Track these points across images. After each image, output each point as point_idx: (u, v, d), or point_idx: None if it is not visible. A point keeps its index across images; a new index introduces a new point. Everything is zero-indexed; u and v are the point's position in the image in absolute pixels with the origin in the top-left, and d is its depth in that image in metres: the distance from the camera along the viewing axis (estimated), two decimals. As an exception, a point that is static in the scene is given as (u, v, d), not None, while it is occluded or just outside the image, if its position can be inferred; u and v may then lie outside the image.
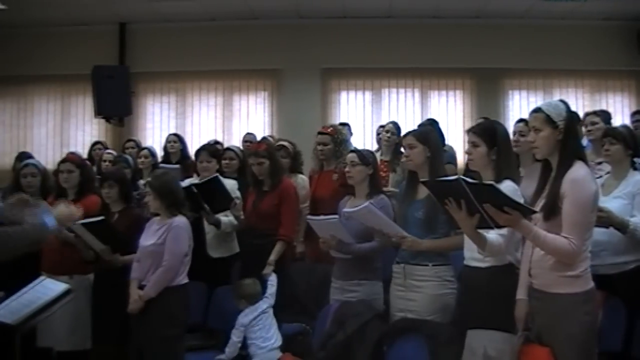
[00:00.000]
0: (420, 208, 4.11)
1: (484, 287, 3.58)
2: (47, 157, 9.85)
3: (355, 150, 4.77)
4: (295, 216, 5.30)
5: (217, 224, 5.35)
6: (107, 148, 8.01)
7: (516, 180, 3.65)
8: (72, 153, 6.74)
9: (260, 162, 5.19)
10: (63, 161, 5.39)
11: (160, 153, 7.47)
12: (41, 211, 3.26)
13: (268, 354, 4.63)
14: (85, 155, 7.78)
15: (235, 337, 4.70)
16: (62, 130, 10.54)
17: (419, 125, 5.79)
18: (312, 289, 5.29)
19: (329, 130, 5.82)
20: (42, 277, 4.21)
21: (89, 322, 5.02)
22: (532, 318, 3.26)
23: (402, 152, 4.57)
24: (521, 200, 3.22)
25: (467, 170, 3.96)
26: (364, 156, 4.59)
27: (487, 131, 3.69)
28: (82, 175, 5.29)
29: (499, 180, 3.47)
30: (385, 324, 4.24)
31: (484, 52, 9.64)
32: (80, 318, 4.98)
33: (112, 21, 10.18)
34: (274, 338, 4.70)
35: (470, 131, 3.76)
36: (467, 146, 3.77)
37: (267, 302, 4.76)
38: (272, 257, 5.01)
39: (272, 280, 4.86)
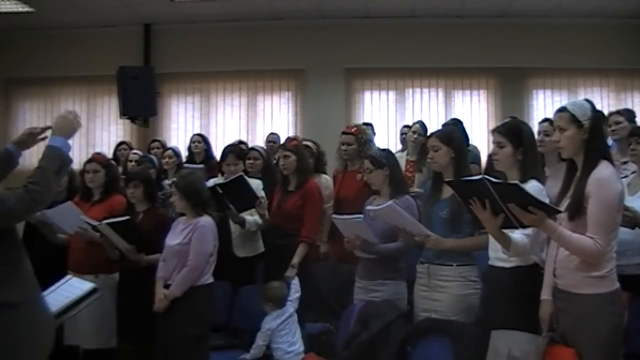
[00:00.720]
0: (444, 207, 4.09)
1: (509, 287, 3.56)
2: (73, 157, 9.83)
3: (368, 156, 4.76)
4: (318, 217, 5.31)
5: (241, 223, 5.37)
6: (132, 148, 8.06)
7: (542, 180, 3.63)
8: (97, 153, 6.78)
9: (286, 155, 5.23)
10: (89, 161, 5.44)
11: (184, 153, 7.50)
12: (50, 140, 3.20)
13: (294, 358, 4.64)
14: (110, 156, 7.84)
15: (261, 340, 4.71)
16: (88, 130, 10.61)
17: (443, 126, 5.78)
18: (336, 288, 5.28)
19: (352, 130, 5.80)
20: (68, 276, 4.25)
21: (114, 320, 5.06)
22: (557, 319, 3.24)
23: (427, 153, 4.56)
24: (546, 200, 3.20)
25: (491, 170, 3.93)
26: (377, 160, 4.59)
27: (512, 131, 3.66)
28: (108, 175, 5.34)
29: (524, 180, 3.45)
30: (409, 324, 4.23)
31: (508, 52, 9.58)
32: (106, 317, 5.02)
33: (137, 22, 10.24)
34: (299, 343, 4.72)
35: (495, 131, 3.72)
36: (491, 146, 3.75)
37: (292, 307, 4.77)
38: (295, 259, 5.02)
39: (296, 286, 4.85)
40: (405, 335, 4.12)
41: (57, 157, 3.09)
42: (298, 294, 4.81)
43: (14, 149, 3.34)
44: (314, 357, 4.67)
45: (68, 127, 3.19)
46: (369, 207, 4.40)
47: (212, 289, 4.67)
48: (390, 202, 4.17)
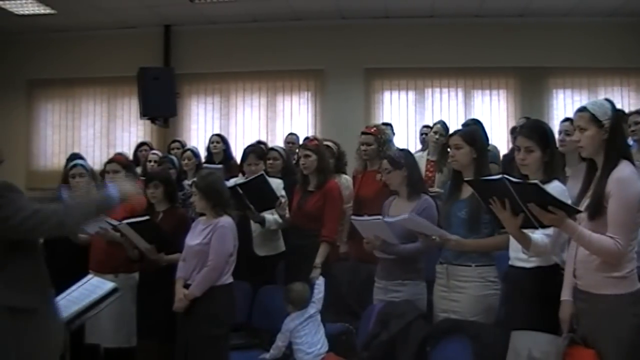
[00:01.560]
0: (463, 208, 4.08)
1: (529, 287, 3.54)
2: (95, 157, 10.03)
3: (387, 156, 4.75)
4: (338, 217, 5.30)
5: (261, 222, 5.38)
6: (152, 149, 8.11)
7: (562, 180, 3.61)
8: (119, 154, 6.84)
9: (306, 154, 5.24)
10: (109, 161, 5.48)
11: (203, 153, 7.53)
12: (107, 187, 3.36)
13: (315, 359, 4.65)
14: (131, 157, 7.89)
15: (280, 341, 4.71)
16: (109, 131, 10.73)
17: (463, 126, 5.76)
18: (355, 289, 5.28)
19: (372, 130, 5.79)
20: (89, 276, 4.31)
21: (134, 320, 5.08)
22: (578, 319, 3.22)
23: (449, 152, 4.55)
24: (569, 201, 3.18)
25: (510, 170, 3.91)
26: (395, 161, 4.58)
27: (540, 134, 3.60)
28: (127, 175, 5.37)
29: (547, 180, 3.43)
30: (428, 324, 4.22)
31: (528, 51, 9.54)
32: (126, 316, 5.04)
33: (157, 24, 10.33)
34: (321, 343, 4.68)
35: (522, 135, 3.64)
36: (510, 147, 3.73)
37: (314, 307, 4.75)
38: (318, 260, 5.02)
39: (320, 285, 4.83)
40: (424, 335, 4.10)
41: (107, 200, 3.26)
42: (322, 295, 4.79)
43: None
44: (334, 357, 4.66)
45: (126, 187, 3.37)
46: (387, 220, 4.37)
47: (232, 289, 4.67)
48: (406, 215, 4.15)
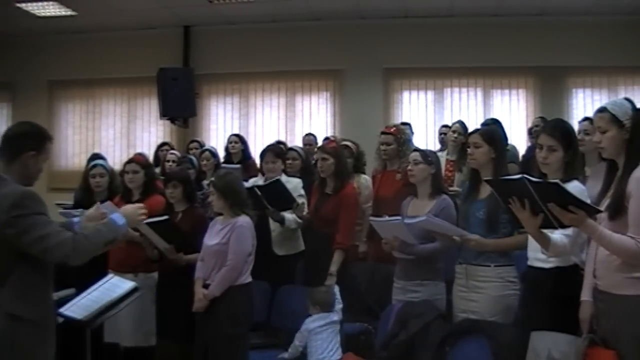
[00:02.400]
0: (481, 208, 4.07)
1: (548, 288, 3.52)
2: (115, 158, 10.08)
3: (418, 150, 4.75)
4: (352, 224, 5.31)
5: (281, 220, 5.38)
6: (173, 149, 8.14)
7: (581, 180, 3.58)
8: (139, 154, 6.87)
9: (324, 157, 5.24)
10: (128, 162, 5.50)
11: (222, 153, 7.55)
12: (111, 214, 3.38)
13: None
14: (151, 157, 7.93)
15: (298, 341, 4.70)
16: (129, 131, 10.79)
17: (483, 124, 5.74)
18: (374, 288, 5.28)
19: (392, 130, 5.79)
20: (110, 275, 4.34)
21: (153, 319, 5.11)
22: (597, 320, 3.19)
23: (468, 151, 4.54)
24: (587, 201, 3.15)
25: (530, 170, 3.88)
26: (427, 155, 4.59)
27: (562, 133, 3.58)
28: (147, 175, 5.39)
29: (567, 180, 3.40)
30: (447, 324, 4.22)
31: (547, 50, 9.45)
32: (145, 315, 5.07)
33: (176, 24, 10.36)
34: (334, 351, 4.63)
35: (547, 134, 3.62)
36: (528, 145, 3.71)
37: (337, 315, 4.73)
38: (333, 268, 5.02)
39: (338, 297, 4.80)
40: (443, 335, 4.09)
41: (115, 232, 3.26)
42: (341, 305, 4.78)
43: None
44: (352, 357, 4.65)
45: (132, 218, 3.40)
46: (406, 221, 4.35)
47: (251, 289, 4.68)
48: (424, 217, 4.17)
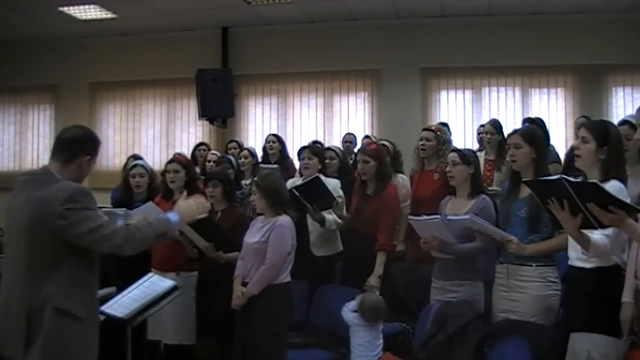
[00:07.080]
0: (523, 207, 4.03)
1: (589, 288, 3.47)
2: (154, 158, 10.22)
3: (457, 150, 4.73)
4: (393, 226, 5.31)
5: (321, 221, 5.38)
6: (210, 149, 8.20)
7: (624, 181, 3.54)
8: (179, 154, 6.94)
9: (365, 160, 5.24)
10: (170, 162, 5.55)
11: (260, 153, 7.59)
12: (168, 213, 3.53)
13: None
14: (188, 157, 8.00)
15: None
16: (168, 132, 10.90)
17: (523, 122, 5.69)
18: (413, 288, 5.28)
19: (433, 127, 5.79)
20: (151, 274, 4.40)
21: (194, 317, 5.15)
22: (639, 322, 3.16)
23: (506, 150, 4.51)
24: (627, 200, 3.12)
25: (571, 170, 3.85)
26: (465, 155, 4.56)
27: (599, 129, 3.53)
28: (188, 175, 5.43)
29: (605, 180, 3.34)
30: (486, 324, 4.19)
31: (587, 48, 9.31)
32: (186, 313, 5.11)
33: (214, 26, 10.45)
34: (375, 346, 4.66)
35: (583, 125, 3.62)
36: (568, 145, 3.68)
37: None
38: (380, 270, 5.01)
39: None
40: (482, 336, 4.08)
41: (166, 226, 3.42)
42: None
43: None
44: (391, 357, 4.65)
45: (188, 212, 3.64)
46: (449, 217, 4.34)
47: (290, 288, 4.69)
48: (468, 216, 4.14)
